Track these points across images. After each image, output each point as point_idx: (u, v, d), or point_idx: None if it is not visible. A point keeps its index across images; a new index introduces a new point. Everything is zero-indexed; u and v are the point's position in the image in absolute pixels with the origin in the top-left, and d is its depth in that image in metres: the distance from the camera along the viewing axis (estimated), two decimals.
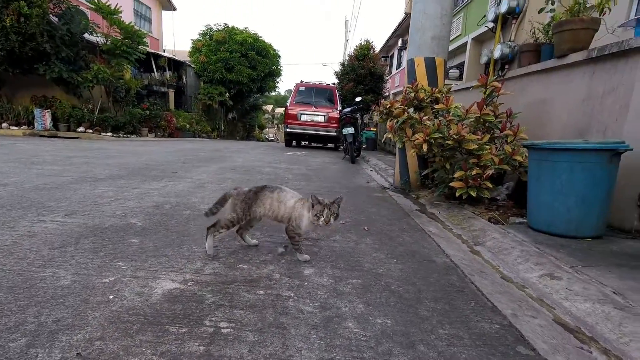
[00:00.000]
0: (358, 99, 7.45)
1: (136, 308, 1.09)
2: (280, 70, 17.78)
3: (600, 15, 2.57)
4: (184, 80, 16.36)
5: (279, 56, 17.48)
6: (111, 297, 1.15)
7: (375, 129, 11.85)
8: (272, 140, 27.79)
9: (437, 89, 3.27)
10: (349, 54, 13.17)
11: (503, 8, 3.61)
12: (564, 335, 1.16)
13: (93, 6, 9.70)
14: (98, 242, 1.64)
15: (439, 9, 3.33)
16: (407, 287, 1.40)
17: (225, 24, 16.48)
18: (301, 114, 9.38)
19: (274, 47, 17.11)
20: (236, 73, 15.52)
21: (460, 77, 8.18)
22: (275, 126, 36.35)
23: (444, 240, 2.12)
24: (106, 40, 9.91)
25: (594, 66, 2.49)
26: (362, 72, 11.40)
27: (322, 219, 1.43)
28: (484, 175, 2.53)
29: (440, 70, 3.47)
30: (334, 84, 11.26)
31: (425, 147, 2.71)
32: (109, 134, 9.81)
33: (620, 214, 2.18)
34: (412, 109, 3.15)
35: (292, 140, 10.70)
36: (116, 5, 9.70)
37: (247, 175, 4.14)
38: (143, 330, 0.98)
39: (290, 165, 5.46)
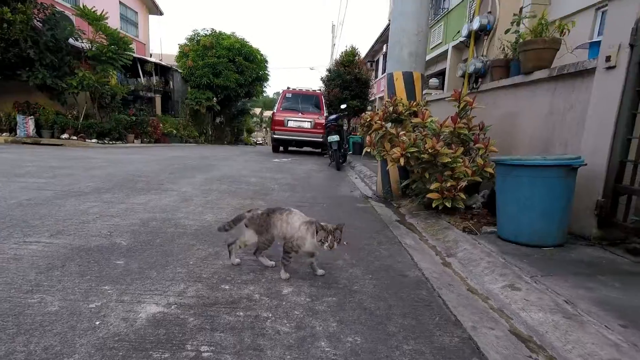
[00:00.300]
0: (343, 106, 7.60)
1: (121, 334, 1.16)
2: (268, 75, 17.95)
3: (560, 36, 2.75)
4: (171, 85, 16.27)
5: (266, 61, 17.64)
6: (97, 323, 1.22)
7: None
8: (260, 144, 27.72)
9: (415, 103, 3.42)
10: (335, 59, 13.32)
11: (475, 25, 3.81)
12: (516, 345, 1.28)
13: (78, 12, 9.60)
14: (84, 265, 1.69)
15: (415, 26, 3.49)
16: (378, 304, 1.51)
17: (213, 29, 16.52)
18: (288, 120, 9.48)
19: (261, 52, 17.31)
20: (224, 78, 15.54)
21: (441, 86, 8.42)
22: (264, 129, 36.30)
23: (419, 252, 2.24)
24: (92, 46, 9.80)
25: (555, 84, 2.67)
26: (348, 78, 11.56)
27: (326, 244, 1.54)
28: (458, 187, 2.68)
29: (417, 84, 3.62)
30: (320, 89, 11.40)
31: (402, 160, 2.84)
32: (94, 140, 9.69)
33: (580, 222, 2.34)
34: (390, 124, 3.28)
35: (280, 146, 10.79)
36: (102, 12, 9.62)
37: (234, 185, 4.20)
38: (128, 356, 1.05)
39: (275, 174, 5.54)
